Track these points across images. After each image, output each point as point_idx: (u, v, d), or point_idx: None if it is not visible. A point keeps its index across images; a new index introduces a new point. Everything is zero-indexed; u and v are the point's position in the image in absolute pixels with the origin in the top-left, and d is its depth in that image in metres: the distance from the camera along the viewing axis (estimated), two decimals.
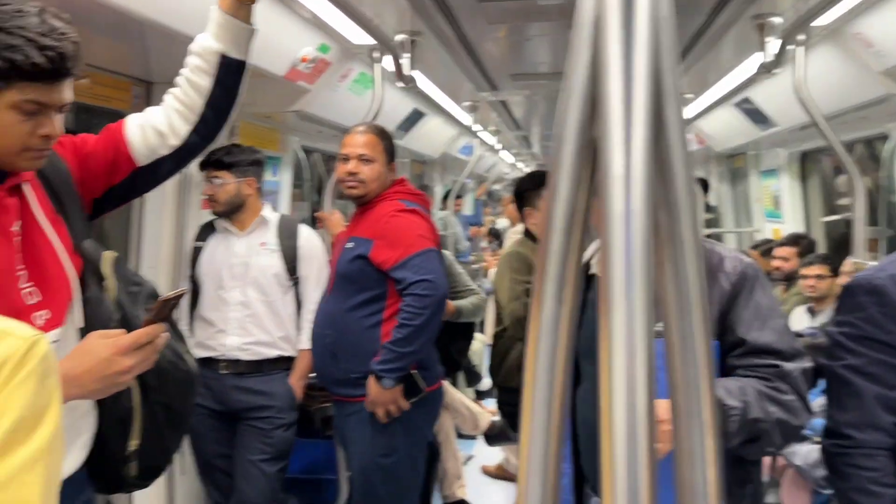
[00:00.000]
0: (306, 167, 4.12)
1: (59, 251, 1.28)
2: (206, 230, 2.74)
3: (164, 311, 1.24)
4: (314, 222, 3.34)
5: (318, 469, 3.24)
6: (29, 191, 1.27)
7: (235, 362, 2.62)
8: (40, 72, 1.13)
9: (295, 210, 4.04)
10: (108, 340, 1.19)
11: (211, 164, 2.59)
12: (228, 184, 2.61)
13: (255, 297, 2.64)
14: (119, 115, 1.51)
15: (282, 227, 2.72)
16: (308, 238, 2.75)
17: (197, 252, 2.71)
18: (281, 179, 3.69)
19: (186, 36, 1.52)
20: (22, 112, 1.15)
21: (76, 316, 1.30)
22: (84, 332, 1.28)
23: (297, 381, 2.68)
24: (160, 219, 2.75)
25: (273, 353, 2.66)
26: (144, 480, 1.45)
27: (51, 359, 0.94)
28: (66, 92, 1.19)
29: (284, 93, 2.91)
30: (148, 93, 2.60)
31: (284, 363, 2.68)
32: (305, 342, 2.65)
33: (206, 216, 2.78)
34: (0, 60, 1.10)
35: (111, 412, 1.35)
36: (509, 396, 2.83)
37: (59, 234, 1.29)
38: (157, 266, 2.72)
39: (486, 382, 4.79)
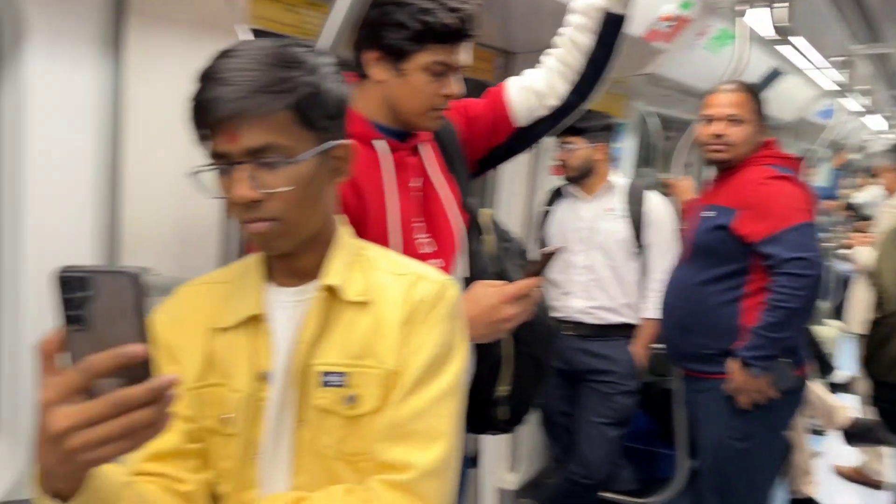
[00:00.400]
0: (653, 133, 4.00)
1: (450, 206, 1.40)
2: (555, 195, 2.83)
3: (542, 265, 1.28)
4: (659, 188, 3.24)
5: (651, 441, 3.18)
6: (426, 150, 1.40)
7: (579, 324, 2.68)
8: (448, 33, 1.24)
9: (640, 177, 3.96)
10: (494, 289, 1.28)
11: (565, 130, 2.63)
12: (580, 149, 2.65)
13: (600, 262, 2.67)
14: (483, 86, 1.59)
15: (630, 193, 2.70)
16: (656, 205, 2.70)
17: (545, 216, 2.82)
18: (625, 146, 3.63)
19: (549, 4, 1.53)
20: (430, 73, 1.27)
21: (461, 266, 1.42)
22: (466, 282, 1.39)
23: (639, 349, 2.66)
24: (513, 184, 2.89)
25: (616, 318, 2.67)
26: (509, 425, 1.54)
27: (458, 302, 1.03)
28: (464, 54, 1.29)
29: (640, 55, 2.80)
30: (508, 63, 2.71)
31: (626, 330, 2.67)
32: (650, 311, 2.60)
33: (555, 182, 2.85)
34: (417, 23, 1.23)
35: (486, 357, 1.45)
36: (887, 392, 2.44)
37: (452, 191, 1.40)
38: (509, 228, 2.87)
39: (840, 374, 4.26)
